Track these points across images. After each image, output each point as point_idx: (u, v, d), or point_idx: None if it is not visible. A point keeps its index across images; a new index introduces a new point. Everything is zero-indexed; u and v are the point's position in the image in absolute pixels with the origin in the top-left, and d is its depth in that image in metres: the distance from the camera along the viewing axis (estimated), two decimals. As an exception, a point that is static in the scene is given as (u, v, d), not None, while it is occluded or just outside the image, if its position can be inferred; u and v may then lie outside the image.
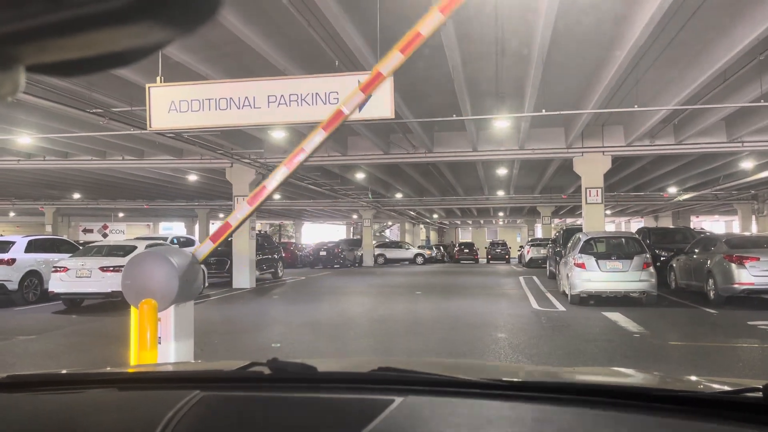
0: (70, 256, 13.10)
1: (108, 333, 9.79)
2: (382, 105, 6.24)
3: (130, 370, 1.94)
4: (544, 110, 9.60)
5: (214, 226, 44.51)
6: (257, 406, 1.28)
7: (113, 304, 12.50)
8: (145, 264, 3.15)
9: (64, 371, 1.56)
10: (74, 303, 12.84)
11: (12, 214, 43.50)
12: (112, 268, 12.20)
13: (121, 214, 46.33)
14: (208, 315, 12.05)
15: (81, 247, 14.96)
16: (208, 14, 0.46)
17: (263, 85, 6.55)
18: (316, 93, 6.39)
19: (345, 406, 1.24)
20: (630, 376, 1.82)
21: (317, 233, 58.83)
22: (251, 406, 1.28)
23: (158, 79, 6.68)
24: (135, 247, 13.26)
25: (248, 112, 6.52)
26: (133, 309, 3.13)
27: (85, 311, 12.40)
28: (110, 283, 12.08)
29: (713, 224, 52.29)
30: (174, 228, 52.65)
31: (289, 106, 6.45)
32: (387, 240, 46.48)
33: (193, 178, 23.76)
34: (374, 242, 38.83)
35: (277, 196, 31.61)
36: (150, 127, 6.64)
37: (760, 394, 1.07)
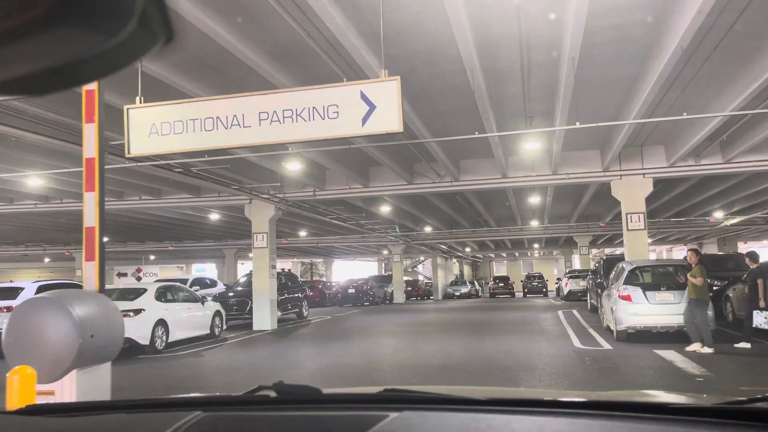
0: (77, 301, 12.45)
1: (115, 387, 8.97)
2: (389, 117, 5.38)
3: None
4: (578, 123, 8.61)
5: (243, 267, 44.20)
6: (257, 425, 1.31)
7: (122, 352, 11.73)
8: (34, 315, 2.27)
9: (74, 401, 1.68)
10: (82, 351, 12.11)
11: (47, 259, 43.78)
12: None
13: (152, 257, 46.36)
14: (218, 361, 11.20)
15: (94, 291, 14.36)
16: (126, 21, 0.50)
17: (253, 100, 5.76)
18: (314, 107, 5.57)
19: (344, 420, 1.28)
20: (648, 395, 1.79)
21: (348, 270, 57.91)
22: (251, 424, 1.31)
23: (137, 99, 5.96)
24: (145, 290, 12.57)
25: (237, 132, 5.73)
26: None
27: (92, 359, 11.66)
28: (117, 328, 11.37)
29: (761, 250, 49.68)
30: (207, 269, 52.51)
31: (283, 123, 5.64)
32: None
33: (216, 216, 23.26)
34: None
35: (303, 233, 30.98)
36: (129, 153, 5.90)
37: None
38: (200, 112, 5.83)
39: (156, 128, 5.85)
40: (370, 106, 5.42)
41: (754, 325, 10.17)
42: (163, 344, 12.18)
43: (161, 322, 12.17)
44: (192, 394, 1.99)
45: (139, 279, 43.07)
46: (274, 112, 5.63)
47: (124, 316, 11.49)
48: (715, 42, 7.85)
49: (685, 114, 8.18)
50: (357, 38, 6.84)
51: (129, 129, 5.89)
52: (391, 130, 5.42)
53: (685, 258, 11.54)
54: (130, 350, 11.66)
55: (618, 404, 1.23)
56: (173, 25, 0.55)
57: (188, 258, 51.08)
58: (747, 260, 10.80)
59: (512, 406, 1.26)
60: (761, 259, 10.69)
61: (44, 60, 0.51)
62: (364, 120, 5.43)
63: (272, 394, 1.37)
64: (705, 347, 9.67)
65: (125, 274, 48.91)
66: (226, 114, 5.73)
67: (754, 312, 10.13)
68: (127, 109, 5.94)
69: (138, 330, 11.51)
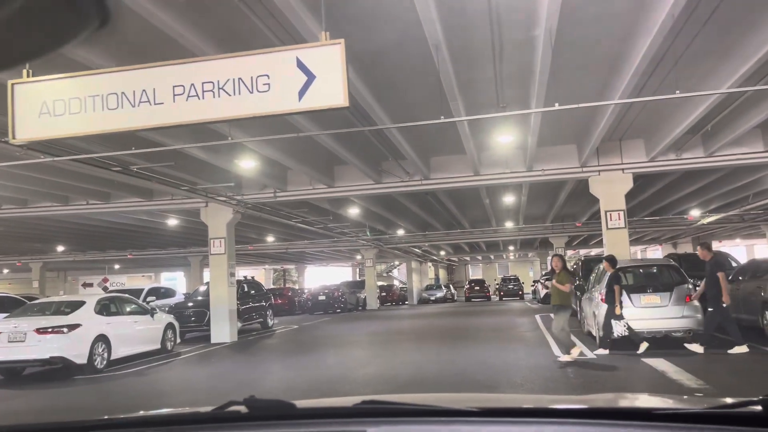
0: (5, 317, 11.15)
1: (30, 412, 7.81)
2: (332, 88, 4.37)
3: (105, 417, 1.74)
4: (557, 104, 7.69)
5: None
6: None
7: (56, 372, 10.54)
8: None
9: (30, 422, 1.53)
10: (13, 373, 10.82)
11: (6, 271, 41.83)
12: (50, 330, 10.26)
13: (117, 266, 44.67)
14: (161, 381, 10.05)
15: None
16: None
17: (166, 71, 4.71)
18: (239, 78, 4.55)
19: None
20: (631, 398, 1.82)
21: (322, 276, 56.56)
22: None
23: (25, 72, 4.86)
24: (83, 303, 11.35)
25: (146, 111, 4.67)
26: None
27: (22, 383, 10.40)
28: (49, 347, 10.15)
29: (733, 249, 49.67)
30: (177, 278, 51.01)
31: (203, 98, 4.60)
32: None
33: (174, 222, 21.98)
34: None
35: (271, 239, 29.79)
36: (13, 137, 4.81)
37: (759, 408, 1.08)
38: (101, 86, 4.76)
39: (47, 107, 4.77)
40: (309, 76, 4.42)
41: (614, 335, 9.70)
42: (104, 362, 10.97)
43: (102, 338, 10.96)
44: (157, 411, 1.94)
45: (105, 289, 41.34)
46: (192, 85, 4.60)
47: (56, 332, 10.29)
48: (707, 13, 7.02)
49: (678, 92, 7.33)
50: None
51: (14, 108, 4.80)
52: (335, 105, 4.42)
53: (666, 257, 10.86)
54: (65, 370, 10.45)
55: (617, 411, 1.22)
56: (109, 7, 0.47)
57: (156, 266, 49.41)
58: (605, 264, 10.35)
59: (499, 416, 1.22)
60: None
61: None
62: (302, 93, 4.43)
63: (243, 409, 1.32)
64: (572, 354, 9.09)
65: (91, 284, 47.03)
66: (133, 88, 4.68)
67: (612, 322, 9.71)
68: (12, 84, 4.86)
69: (73, 348, 10.30)
